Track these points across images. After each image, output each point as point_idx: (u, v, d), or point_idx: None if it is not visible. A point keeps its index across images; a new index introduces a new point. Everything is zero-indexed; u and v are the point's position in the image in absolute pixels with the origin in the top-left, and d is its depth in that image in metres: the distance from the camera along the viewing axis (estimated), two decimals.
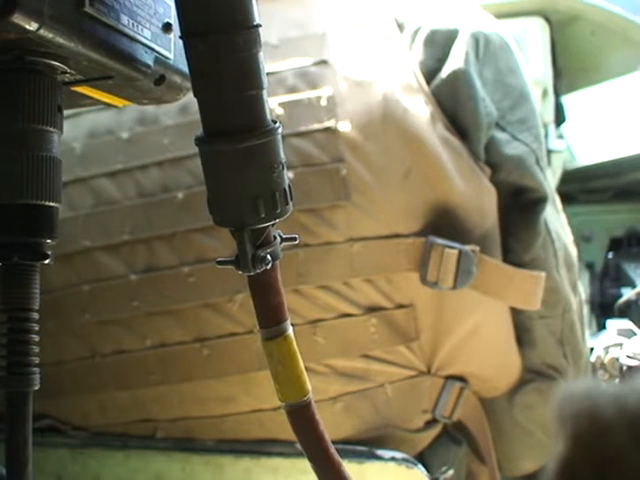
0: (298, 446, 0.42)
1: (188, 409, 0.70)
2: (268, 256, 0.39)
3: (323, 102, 0.68)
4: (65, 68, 0.36)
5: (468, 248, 0.68)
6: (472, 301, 0.71)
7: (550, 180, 0.81)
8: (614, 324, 0.68)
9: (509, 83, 0.75)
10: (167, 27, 0.41)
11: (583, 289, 0.88)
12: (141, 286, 0.69)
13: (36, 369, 0.36)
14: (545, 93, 1.44)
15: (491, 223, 0.72)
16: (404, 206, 0.68)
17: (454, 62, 0.71)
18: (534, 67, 1.42)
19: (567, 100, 1.72)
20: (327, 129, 0.68)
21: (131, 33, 0.38)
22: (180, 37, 0.36)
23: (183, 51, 0.37)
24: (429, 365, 0.71)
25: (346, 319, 0.67)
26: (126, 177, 0.71)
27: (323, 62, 0.71)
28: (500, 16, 1.48)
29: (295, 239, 0.41)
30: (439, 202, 0.69)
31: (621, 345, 0.61)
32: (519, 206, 0.74)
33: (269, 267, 0.39)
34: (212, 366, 0.68)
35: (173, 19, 0.41)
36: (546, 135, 1.41)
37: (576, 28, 1.51)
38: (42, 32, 0.32)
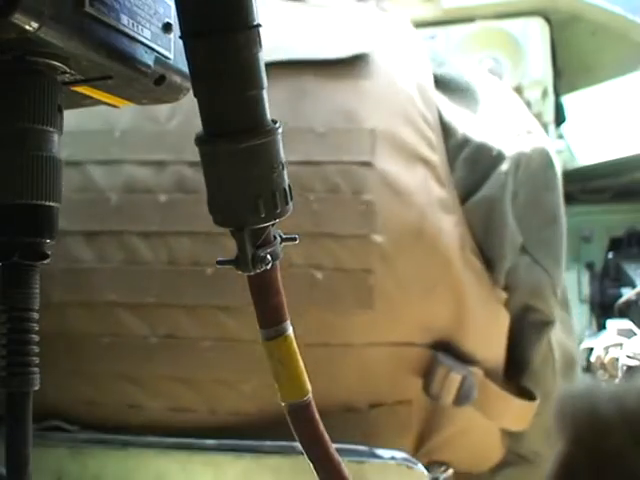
0: (298, 446, 0.42)
1: None
2: (268, 256, 0.38)
3: (362, 208, 0.68)
4: (65, 68, 0.36)
5: (472, 371, 0.70)
6: (468, 410, 0.72)
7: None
8: (614, 324, 0.67)
9: (543, 201, 0.75)
10: (167, 27, 0.41)
11: (583, 289, 0.88)
12: (159, 350, 0.69)
13: (36, 369, 0.36)
14: (545, 93, 1.44)
15: (500, 347, 0.74)
16: (422, 318, 0.69)
17: (491, 190, 0.70)
18: (534, 67, 1.43)
19: (567, 100, 1.73)
20: (361, 236, 0.67)
21: (131, 33, 0.38)
22: (180, 37, 0.36)
23: (183, 51, 0.36)
24: (416, 451, 0.72)
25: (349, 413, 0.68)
26: (159, 240, 0.70)
27: (367, 164, 0.69)
28: (500, 16, 1.49)
29: (295, 239, 0.41)
30: (454, 321, 0.70)
31: (621, 345, 0.61)
32: (525, 322, 0.75)
33: (269, 267, 0.39)
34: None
35: (173, 19, 0.41)
36: None
37: (576, 28, 1.51)
38: (42, 32, 0.32)
